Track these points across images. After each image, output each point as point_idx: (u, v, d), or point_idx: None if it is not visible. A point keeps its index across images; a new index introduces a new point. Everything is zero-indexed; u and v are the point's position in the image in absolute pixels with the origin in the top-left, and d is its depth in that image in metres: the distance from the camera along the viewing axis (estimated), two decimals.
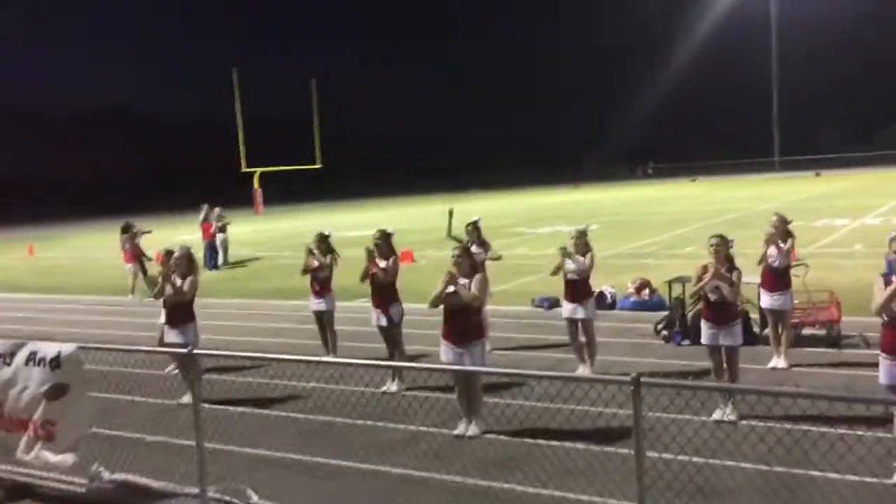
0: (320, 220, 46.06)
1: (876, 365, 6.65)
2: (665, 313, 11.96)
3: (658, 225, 29.86)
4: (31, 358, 6.67)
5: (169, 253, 11.14)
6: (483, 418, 8.00)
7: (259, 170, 62.75)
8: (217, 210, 26.56)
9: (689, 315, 11.21)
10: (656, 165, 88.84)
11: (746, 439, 6.64)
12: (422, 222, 38.83)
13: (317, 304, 11.25)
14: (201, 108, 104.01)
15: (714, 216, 32.09)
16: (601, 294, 14.31)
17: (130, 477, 6.75)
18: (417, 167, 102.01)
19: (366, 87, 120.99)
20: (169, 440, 7.97)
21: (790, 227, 10.04)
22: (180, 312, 9.69)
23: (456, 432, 7.89)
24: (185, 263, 9.82)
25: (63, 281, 24.09)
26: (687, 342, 11.05)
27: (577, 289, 9.84)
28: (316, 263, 11.16)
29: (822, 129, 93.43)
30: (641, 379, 4.40)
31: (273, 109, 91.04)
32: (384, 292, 9.83)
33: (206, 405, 9.08)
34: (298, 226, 42.44)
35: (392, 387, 9.68)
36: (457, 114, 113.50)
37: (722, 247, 8.00)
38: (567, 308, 9.91)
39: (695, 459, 6.40)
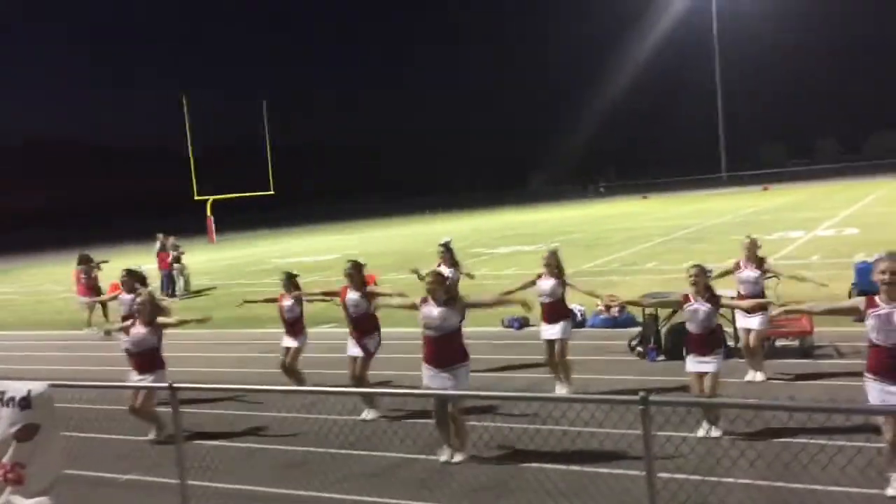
0: (275, 246, 45.64)
1: (852, 374, 6.65)
2: (637, 330, 11.95)
3: (616, 242, 30.07)
4: (0, 398, 6.35)
5: (131, 273, 10.85)
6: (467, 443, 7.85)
7: (211, 197, 61.93)
8: (172, 239, 26.12)
9: (663, 331, 11.22)
10: (608, 184, 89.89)
11: (744, 455, 6.56)
12: (381, 245, 38.67)
13: (289, 341, 10.95)
14: (154, 136, 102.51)
15: (670, 231, 32.45)
16: (571, 312, 14.28)
17: None
18: (365, 188, 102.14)
19: (321, 105, 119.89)
20: (143, 478, 7.66)
21: (759, 251, 10.11)
22: (148, 358, 9.28)
23: (442, 459, 7.72)
24: (148, 309, 9.40)
25: (12, 316, 23.37)
26: (662, 358, 11.05)
27: (554, 309, 9.78)
28: (289, 302, 10.86)
29: (765, 146, 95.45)
30: (650, 398, 4.30)
31: (225, 134, 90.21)
32: (362, 323, 9.64)
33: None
34: (255, 252, 41.94)
35: (369, 415, 9.47)
36: (405, 134, 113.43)
37: (700, 277, 7.98)
38: (545, 329, 9.83)
39: (692, 477, 6.33)
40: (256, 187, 65.08)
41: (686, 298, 8.00)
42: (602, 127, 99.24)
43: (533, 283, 10.04)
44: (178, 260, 25.49)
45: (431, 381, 7.65)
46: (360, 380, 9.62)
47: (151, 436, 9.25)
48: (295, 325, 10.91)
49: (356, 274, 9.71)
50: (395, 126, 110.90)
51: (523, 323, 14.26)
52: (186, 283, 25.78)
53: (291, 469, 7.83)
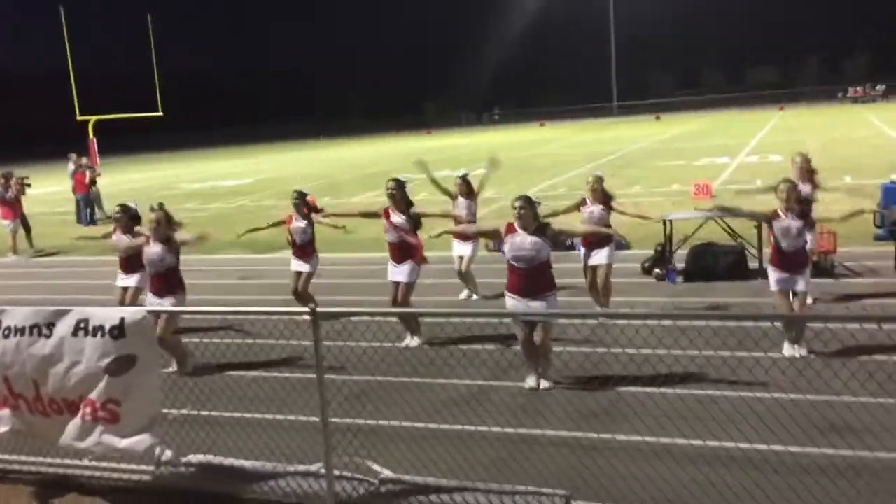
0: (177, 170, 43.48)
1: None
2: (649, 252, 11.85)
3: (545, 167, 30.03)
4: (82, 327, 5.54)
5: (125, 209, 9.77)
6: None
7: (94, 118, 58.17)
8: (85, 160, 24.29)
9: (686, 253, 11.18)
10: (502, 111, 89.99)
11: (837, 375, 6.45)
12: (298, 169, 37.37)
13: (299, 265, 10.27)
14: (29, 54, 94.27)
15: (594, 157, 32.68)
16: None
17: (213, 459, 5.79)
18: (258, 115, 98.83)
19: (208, 24, 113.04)
20: (212, 414, 6.95)
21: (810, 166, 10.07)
22: (166, 279, 8.44)
23: (528, 385, 7.37)
24: (164, 225, 8.53)
25: None
26: (681, 279, 10.98)
27: (599, 235, 9.45)
28: (303, 224, 10.17)
29: (653, 76, 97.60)
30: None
31: (108, 52, 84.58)
32: (404, 246, 9.04)
33: (233, 372, 8.19)
34: (158, 176, 39.82)
35: (412, 342, 8.99)
36: (302, 56, 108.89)
37: (792, 191, 7.79)
38: (592, 255, 9.50)
39: (793, 397, 6.24)
40: (143, 109, 61.60)
41: (775, 214, 7.81)
42: (495, 56, 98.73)
43: (578, 207, 9.69)
44: (93, 182, 23.72)
45: (519, 309, 7.23)
46: (402, 306, 9.10)
47: (172, 369, 8.49)
48: (306, 248, 10.26)
49: (398, 194, 9.05)
50: (285, 48, 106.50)
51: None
52: (100, 208, 24.04)
53: (358, 399, 7.29)
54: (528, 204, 7.20)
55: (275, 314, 8.51)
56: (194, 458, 5.83)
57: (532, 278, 7.11)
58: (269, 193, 27.56)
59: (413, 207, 9.10)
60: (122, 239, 9.54)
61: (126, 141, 71.23)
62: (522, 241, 7.08)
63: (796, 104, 72.35)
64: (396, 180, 9.16)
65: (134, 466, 5.92)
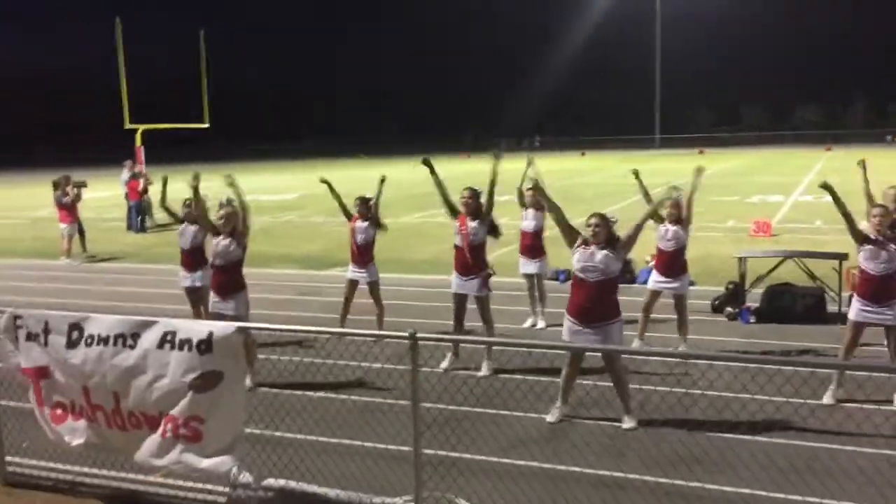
0: (211, 182, 43.57)
1: None
2: (720, 289, 11.51)
3: (591, 197, 29.72)
4: (168, 340, 5.35)
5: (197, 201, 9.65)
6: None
7: (142, 126, 58.79)
8: (139, 167, 24.40)
9: (760, 293, 10.83)
10: (543, 139, 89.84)
11: None
12: (340, 186, 37.34)
13: (358, 273, 10.08)
14: (85, 63, 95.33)
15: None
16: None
17: (293, 484, 5.56)
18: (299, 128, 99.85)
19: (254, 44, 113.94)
20: (286, 435, 6.71)
21: None
22: (232, 276, 8.24)
23: (550, 419, 7.08)
24: (234, 217, 8.38)
25: None
26: (753, 320, 10.60)
27: (676, 259, 9.13)
28: (365, 224, 10.07)
29: (696, 111, 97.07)
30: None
31: (160, 63, 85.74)
32: (477, 255, 8.77)
33: (315, 392, 7.91)
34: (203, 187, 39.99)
35: (483, 369, 8.72)
36: (347, 76, 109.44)
37: (887, 215, 7.42)
38: (662, 282, 9.21)
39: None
40: (190, 120, 62.13)
41: (866, 237, 7.43)
42: (539, 83, 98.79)
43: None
44: (146, 190, 23.79)
45: (574, 337, 6.94)
46: (486, 323, 8.86)
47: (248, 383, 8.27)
48: (365, 254, 10.08)
49: (474, 202, 8.79)
50: (337, 73, 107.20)
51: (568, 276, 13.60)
52: (150, 216, 24.10)
53: (441, 430, 6.99)
54: (602, 221, 6.93)
55: (372, 336, 8.35)
56: (273, 482, 5.61)
57: (598, 297, 6.82)
58: (315, 210, 27.47)
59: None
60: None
61: (167, 151, 71.97)
62: (593, 253, 6.85)
63: (842, 145, 71.37)
64: (472, 189, 8.92)
65: (209, 486, 5.71)
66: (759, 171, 41.88)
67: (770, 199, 26.89)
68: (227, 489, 5.63)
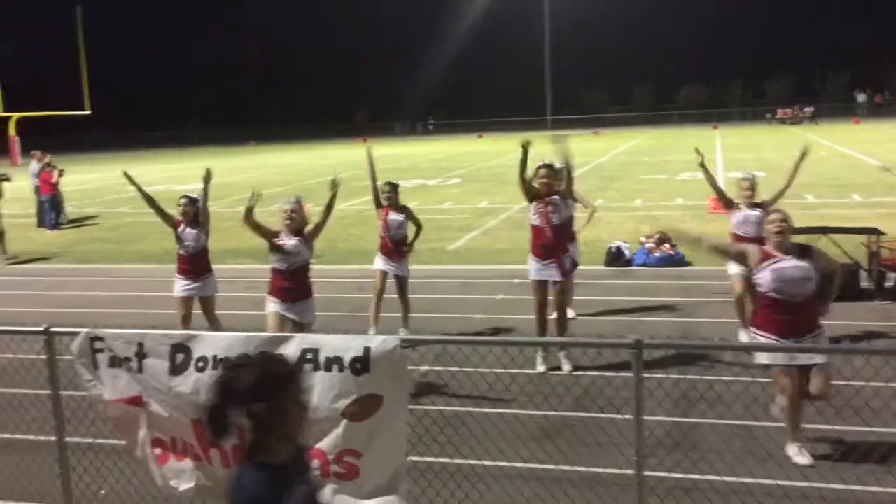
0: (109, 172, 40.91)
1: None
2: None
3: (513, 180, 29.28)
4: (308, 359, 4.37)
5: (193, 200, 8.73)
6: None
7: (16, 115, 54.95)
8: (49, 157, 22.35)
9: None
10: (435, 122, 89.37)
11: None
12: (256, 174, 35.67)
13: (394, 267, 9.27)
14: None
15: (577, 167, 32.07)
16: (619, 249, 13.37)
17: None
18: (183, 117, 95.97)
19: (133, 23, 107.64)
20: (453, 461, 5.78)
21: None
22: (301, 280, 7.51)
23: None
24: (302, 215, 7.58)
25: None
26: None
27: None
28: (400, 217, 9.26)
29: (587, 91, 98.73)
30: None
31: (33, 46, 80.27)
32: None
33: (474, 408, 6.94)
34: (96, 178, 37.50)
35: (565, 367, 8.06)
36: (230, 61, 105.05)
37: None
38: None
39: None
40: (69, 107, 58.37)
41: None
42: (428, 66, 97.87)
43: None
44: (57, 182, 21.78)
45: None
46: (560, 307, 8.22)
47: None
48: (399, 248, 9.32)
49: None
50: (217, 53, 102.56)
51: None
52: (63, 210, 22.10)
53: (554, 435, 6.26)
54: (786, 217, 5.89)
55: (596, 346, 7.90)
56: None
57: (806, 313, 5.72)
58: (233, 201, 25.78)
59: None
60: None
61: (40, 141, 67.67)
62: (793, 268, 5.70)
63: (725, 123, 73.98)
64: (550, 167, 8.22)
65: None
66: (666, 150, 42.53)
67: (699, 176, 27.04)
68: None
